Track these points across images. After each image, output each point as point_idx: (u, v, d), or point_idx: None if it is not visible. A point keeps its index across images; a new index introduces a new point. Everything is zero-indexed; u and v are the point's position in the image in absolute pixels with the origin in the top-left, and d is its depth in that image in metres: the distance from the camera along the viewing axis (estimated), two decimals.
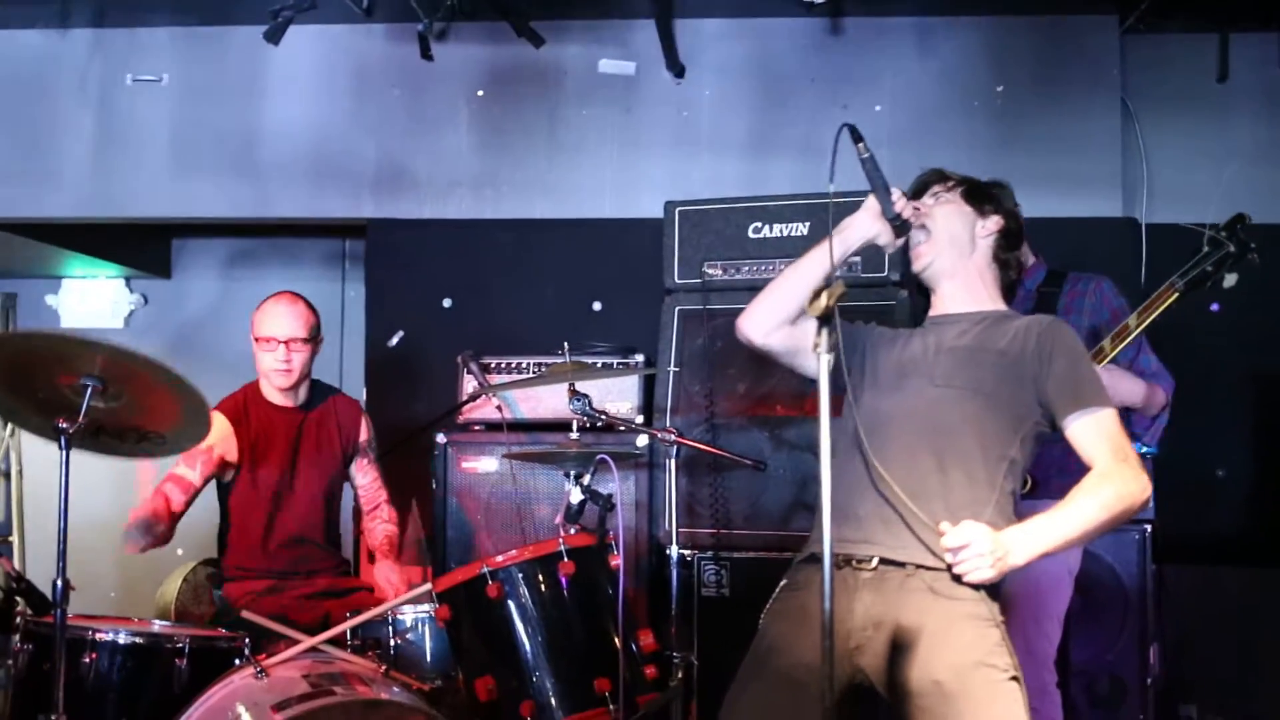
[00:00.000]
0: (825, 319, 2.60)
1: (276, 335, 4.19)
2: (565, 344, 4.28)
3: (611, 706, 3.38)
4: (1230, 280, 3.35)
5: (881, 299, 4.48)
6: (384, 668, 3.38)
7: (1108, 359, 3.46)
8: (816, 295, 2.62)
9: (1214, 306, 4.76)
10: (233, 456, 4.16)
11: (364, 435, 4.42)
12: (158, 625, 3.59)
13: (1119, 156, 5.68)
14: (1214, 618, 4.93)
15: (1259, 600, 4.95)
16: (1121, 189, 5.66)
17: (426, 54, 5.65)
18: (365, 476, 4.47)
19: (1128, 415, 3.66)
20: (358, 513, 4.57)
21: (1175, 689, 3.67)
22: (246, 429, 4.18)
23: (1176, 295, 3.40)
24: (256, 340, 4.22)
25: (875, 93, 5.78)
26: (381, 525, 4.43)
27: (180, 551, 6.46)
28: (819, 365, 2.56)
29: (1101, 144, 5.65)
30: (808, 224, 4.69)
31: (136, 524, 3.98)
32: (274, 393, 4.26)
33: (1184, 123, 5.78)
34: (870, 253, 4.54)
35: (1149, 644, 3.70)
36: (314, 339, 4.28)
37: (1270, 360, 5.11)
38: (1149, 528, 4.38)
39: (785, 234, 4.71)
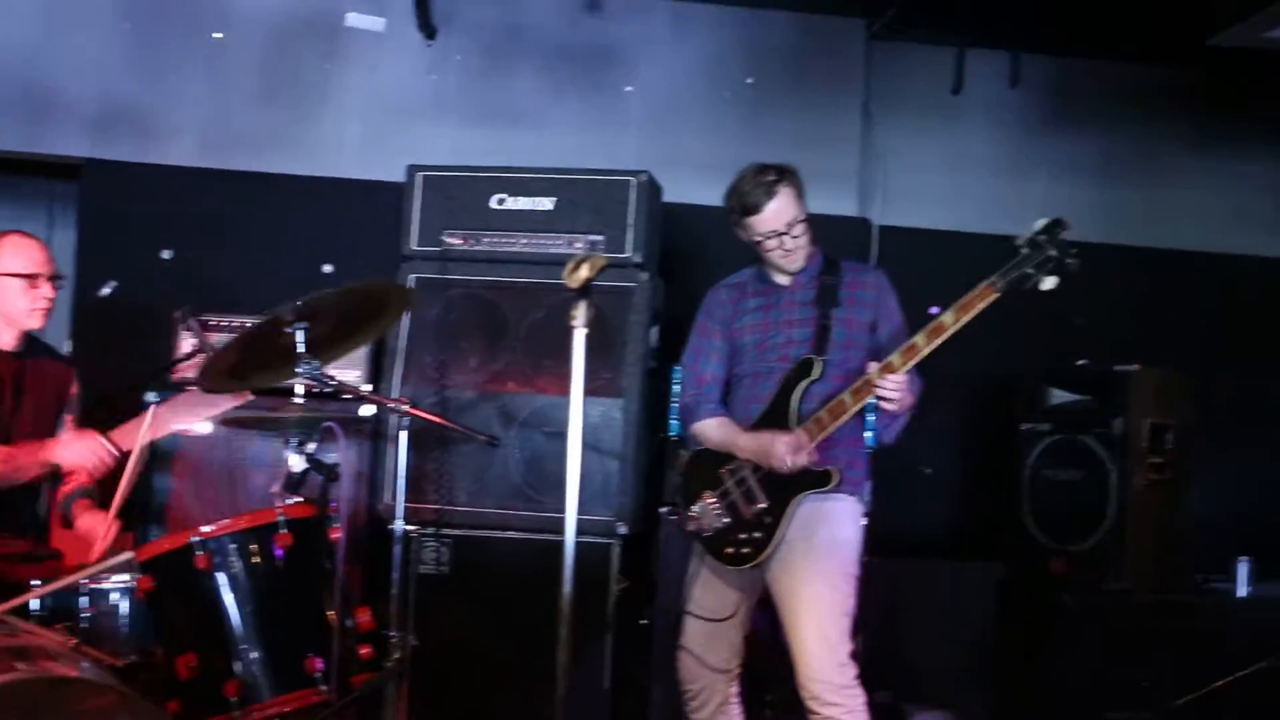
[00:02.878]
0: (583, 291, 2.54)
1: (41, 270, 3.85)
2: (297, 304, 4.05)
3: (323, 687, 3.24)
4: (1050, 284, 3.36)
5: (624, 280, 4.47)
6: (74, 641, 3.14)
7: (921, 355, 3.47)
8: (576, 266, 2.55)
9: (933, 309, 4.91)
10: None
11: (74, 389, 4.09)
12: None
13: (857, 157, 5.84)
14: (916, 608, 5.11)
15: (960, 592, 5.16)
16: (857, 189, 5.82)
17: None
18: (70, 434, 4.14)
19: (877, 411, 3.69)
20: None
21: (875, 676, 3.77)
22: None
23: (996, 296, 3.38)
24: (7, 276, 3.81)
25: (627, 73, 5.78)
26: (80, 487, 4.10)
27: None
28: (574, 338, 2.49)
29: (842, 144, 5.81)
30: (552, 199, 4.63)
31: None
32: (4, 334, 3.87)
33: (920, 130, 5.99)
34: (614, 231, 4.54)
35: (855, 632, 3.78)
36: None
37: (977, 363, 5.34)
38: (864, 521, 4.49)
39: (529, 207, 4.64)
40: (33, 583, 3.32)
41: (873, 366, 3.49)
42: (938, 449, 5.78)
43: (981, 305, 3.38)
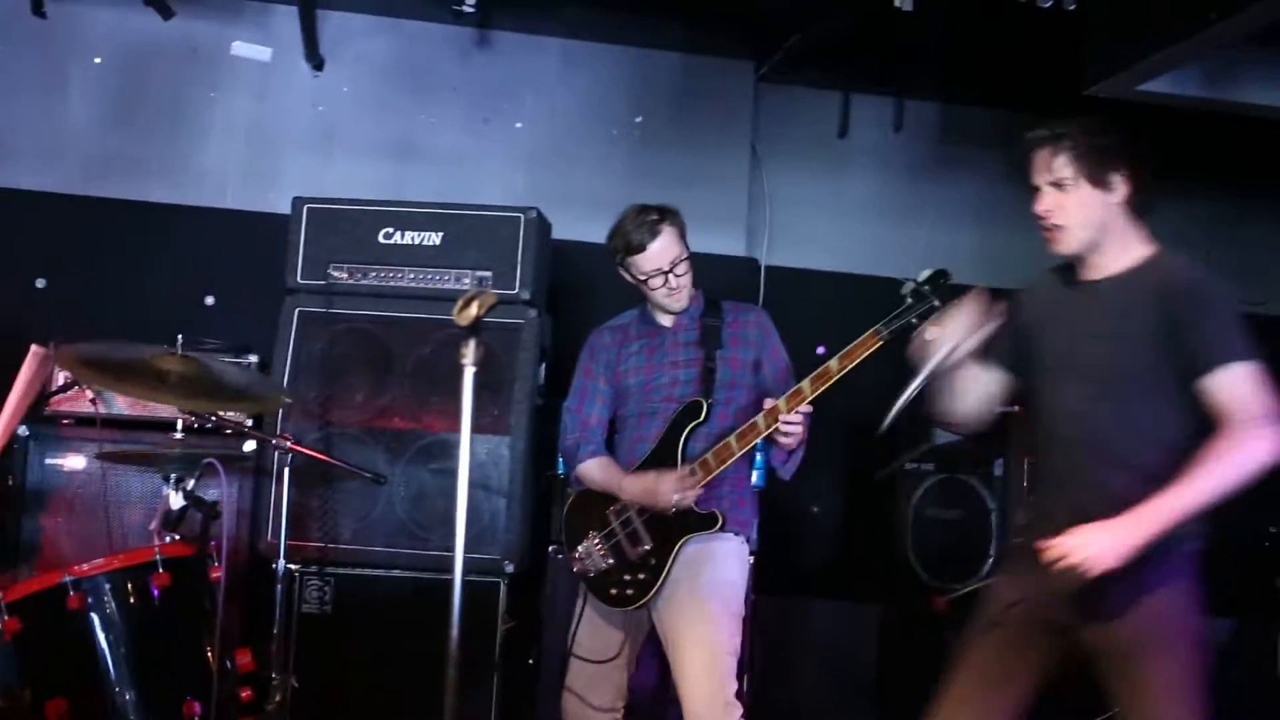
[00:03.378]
0: (473, 329, 2.52)
1: None
2: (180, 337, 3.96)
3: None
4: (933, 333, 3.43)
5: (512, 316, 4.45)
6: None
7: (806, 399, 3.49)
8: (466, 304, 2.53)
9: (820, 349, 4.97)
10: None
11: None
12: None
13: (745, 198, 5.90)
14: (801, 647, 5.15)
15: (844, 631, 5.20)
16: (745, 229, 5.88)
17: (39, 10, 5.19)
18: None
19: (767, 448, 3.72)
20: None
21: (760, 716, 3.79)
22: None
23: (880, 344, 3.43)
24: None
25: (517, 109, 5.78)
26: None
27: None
28: (464, 376, 2.47)
29: (730, 184, 5.86)
30: (440, 234, 4.60)
31: None
32: None
33: (807, 172, 6.07)
34: (503, 267, 4.52)
35: (741, 673, 3.79)
36: None
37: (863, 402, 5.40)
38: (751, 559, 4.52)
39: (417, 242, 4.60)
40: None
41: (768, 403, 3.52)
42: (825, 488, 5.84)
43: (866, 353, 3.44)
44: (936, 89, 6.10)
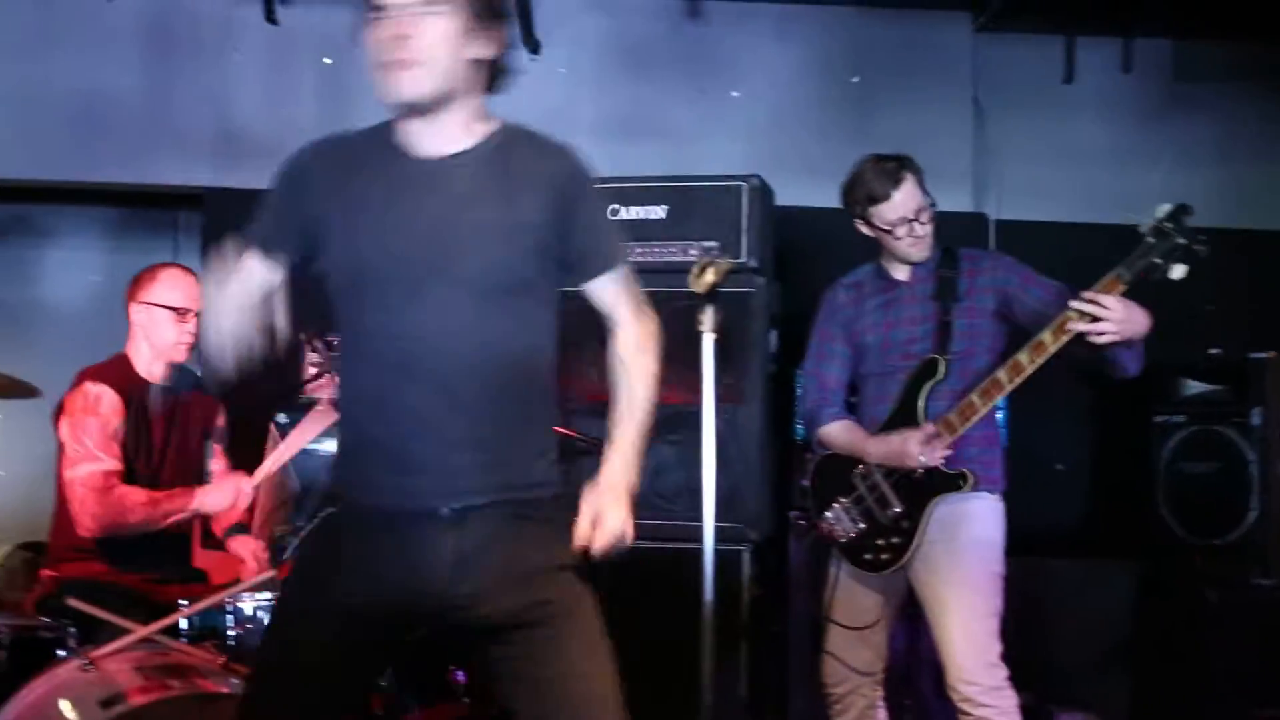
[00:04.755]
0: (709, 296, 2.52)
1: (192, 305, 3.91)
2: None
3: (465, 699, 3.29)
4: (1179, 272, 3.26)
5: (740, 285, 4.43)
6: (223, 659, 3.19)
7: (1049, 352, 3.37)
8: (702, 271, 2.53)
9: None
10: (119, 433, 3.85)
11: (220, 420, 4.17)
12: None
13: (970, 152, 5.76)
14: (1051, 608, 5.02)
15: (1097, 590, 5.06)
16: (972, 184, 5.74)
17: (271, 18, 5.42)
18: (219, 463, 4.22)
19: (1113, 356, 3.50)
20: None
21: (1015, 678, 3.71)
22: (132, 408, 3.86)
23: (1123, 288, 3.28)
24: (159, 307, 3.89)
25: (733, 78, 5.76)
26: (237, 524, 4.15)
27: None
28: (703, 342, 2.47)
29: (953, 139, 5.73)
30: (664, 208, 4.62)
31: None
32: (153, 367, 3.94)
33: (1032, 121, 5.89)
34: (728, 236, 4.52)
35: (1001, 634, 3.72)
36: None
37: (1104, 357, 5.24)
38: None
39: (641, 216, 4.62)
40: (180, 603, 3.38)
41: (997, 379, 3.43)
42: (1069, 445, 5.68)
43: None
44: (1166, 26, 5.83)
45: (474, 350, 2.43)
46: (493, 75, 2.55)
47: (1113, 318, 3.28)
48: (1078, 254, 5.23)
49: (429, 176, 2.48)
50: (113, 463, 3.73)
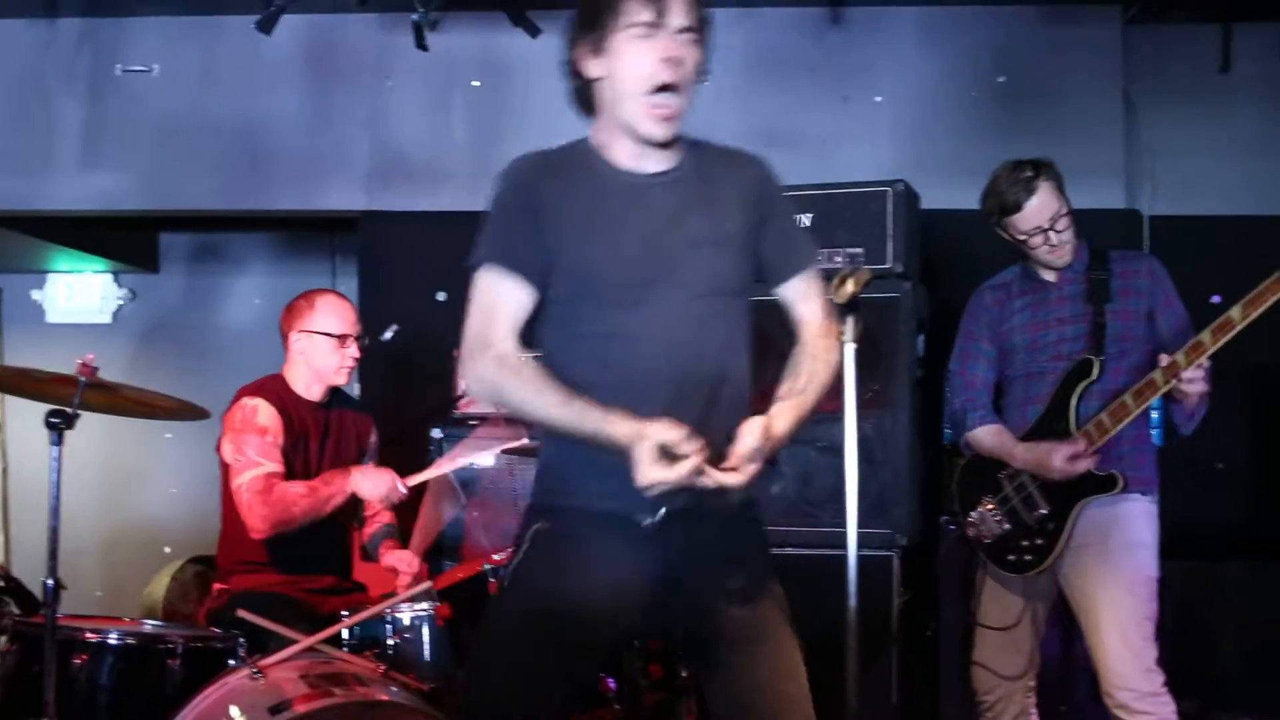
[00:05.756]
0: (849, 306, 2.54)
1: (351, 331, 4.08)
2: None
3: (616, 705, 3.34)
4: None
5: (887, 290, 4.42)
6: (383, 668, 3.30)
7: (1207, 352, 3.31)
8: (842, 282, 2.54)
9: (1215, 298, 4.70)
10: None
11: (373, 438, 4.31)
12: (149, 625, 3.52)
13: (1121, 147, 5.63)
14: (1212, 612, 4.88)
15: (1258, 594, 4.91)
16: (1124, 180, 5.62)
17: (421, 44, 5.56)
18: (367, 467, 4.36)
19: (1166, 404, 3.54)
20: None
21: (1176, 683, 3.62)
22: (289, 422, 4.03)
23: None
24: (320, 335, 4.03)
25: (875, 83, 5.73)
26: (385, 525, 4.28)
27: (168, 549, 6.41)
28: (845, 353, 2.50)
29: (1104, 135, 5.61)
30: (809, 215, 4.62)
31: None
32: (312, 388, 4.08)
33: (1186, 114, 5.73)
34: (874, 242, 4.51)
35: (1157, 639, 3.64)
36: None
37: (1263, 351, 5.06)
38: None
39: None
40: (342, 613, 3.51)
41: (1164, 359, 3.36)
42: (1228, 443, 5.50)
43: (1274, 298, 3.20)
44: None
45: (691, 357, 2.51)
46: None
47: (1194, 389, 3.34)
48: (1236, 247, 5.12)
49: (641, 191, 2.56)
50: (273, 465, 3.88)
